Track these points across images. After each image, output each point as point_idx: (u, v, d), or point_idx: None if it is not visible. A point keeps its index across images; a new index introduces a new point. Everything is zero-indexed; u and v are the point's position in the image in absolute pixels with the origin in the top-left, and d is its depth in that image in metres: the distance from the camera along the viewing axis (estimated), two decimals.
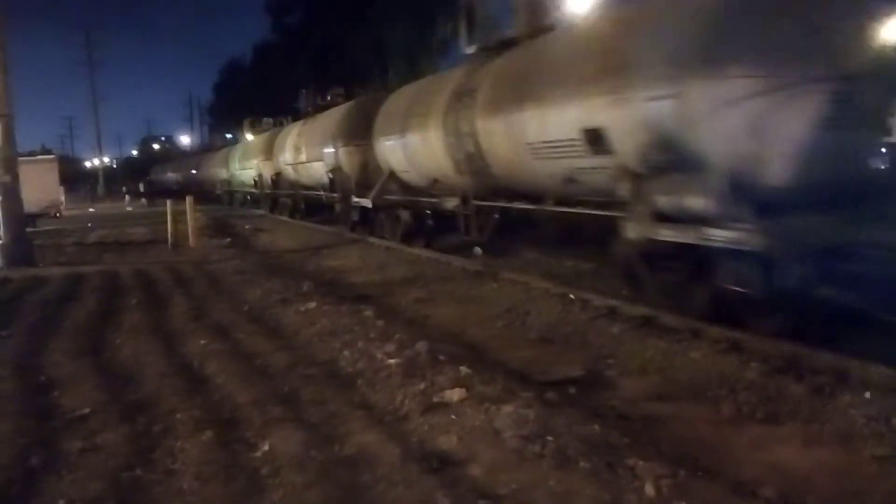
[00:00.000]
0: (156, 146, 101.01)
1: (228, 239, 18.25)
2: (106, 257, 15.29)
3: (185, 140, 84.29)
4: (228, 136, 47.69)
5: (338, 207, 18.77)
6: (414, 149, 13.44)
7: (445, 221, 13.48)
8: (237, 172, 34.58)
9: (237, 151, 35.08)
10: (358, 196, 16.61)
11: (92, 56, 64.37)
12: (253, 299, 9.42)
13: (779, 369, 5.61)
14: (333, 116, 19.41)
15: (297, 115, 29.79)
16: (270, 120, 32.78)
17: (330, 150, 18.38)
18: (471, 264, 11.44)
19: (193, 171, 48.67)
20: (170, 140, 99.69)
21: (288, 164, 23.76)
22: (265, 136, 29.10)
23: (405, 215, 14.74)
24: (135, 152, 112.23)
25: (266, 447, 4.43)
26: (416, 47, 38.46)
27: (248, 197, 33.53)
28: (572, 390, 5.59)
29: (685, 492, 3.61)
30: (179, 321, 8.33)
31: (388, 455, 4.17)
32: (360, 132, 16.48)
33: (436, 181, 13.21)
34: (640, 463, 3.85)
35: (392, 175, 14.91)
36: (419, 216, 14.45)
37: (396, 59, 35.97)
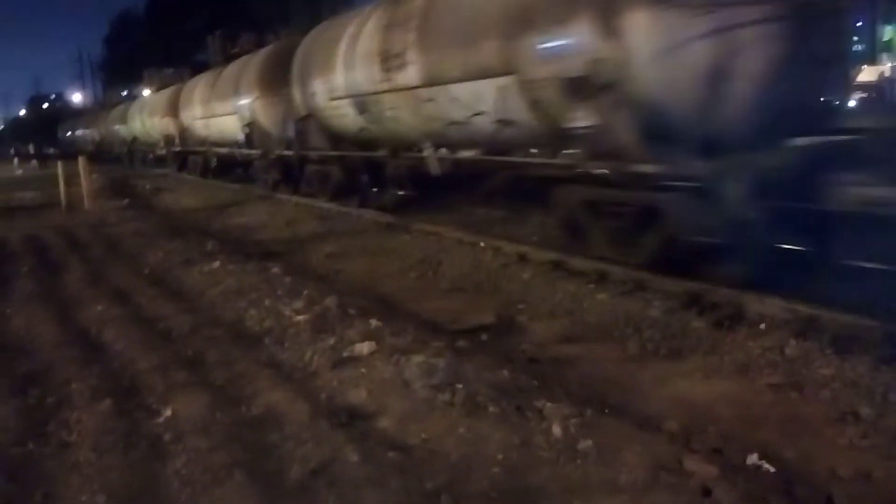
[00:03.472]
0: (45, 105, 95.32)
1: (127, 200, 17.43)
2: None
3: (77, 98, 79.76)
4: (124, 93, 44.51)
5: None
6: None
7: None
8: (198, 122, 21.15)
9: (201, 87, 21.12)
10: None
11: None
12: (154, 261, 9.04)
13: (681, 306, 5.78)
14: None
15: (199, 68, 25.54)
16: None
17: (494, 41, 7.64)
18: (382, 217, 11.28)
19: (117, 127, 36.07)
20: (60, 98, 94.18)
21: (334, 99, 11.81)
22: (269, 50, 16.82)
23: None
24: (23, 112, 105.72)
25: (168, 413, 4.27)
26: (321, 1, 37.35)
27: (216, 160, 20.98)
28: (484, 337, 5.60)
29: (592, 429, 3.68)
30: (75, 288, 7.93)
31: (297, 413, 4.08)
32: None
33: None
34: (548, 404, 3.89)
35: None
36: None
37: (299, 7, 34.70)
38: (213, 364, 5.10)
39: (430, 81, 9.03)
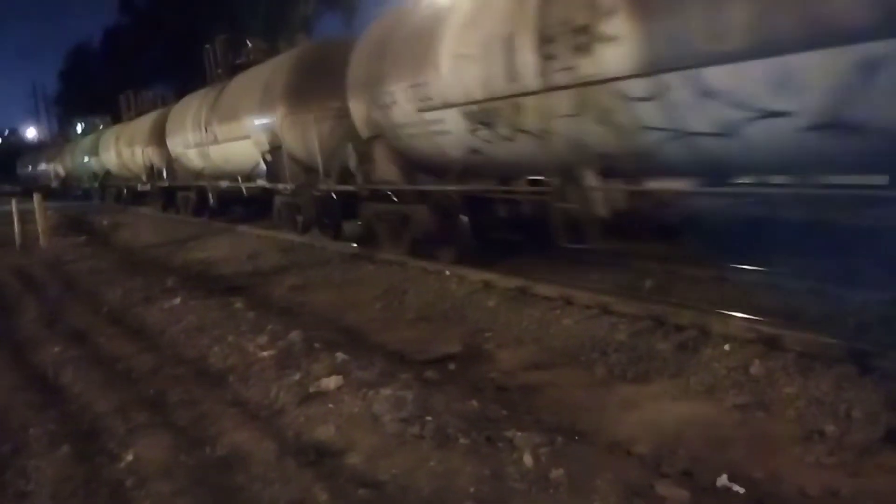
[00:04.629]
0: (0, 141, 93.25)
1: (84, 237, 17.10)
2: None
3: (31, 133, 78.17)
4: (80, 125, 43.40)
5: None
6: None
7: None
8: (191, 152, 17.61)
9: (196, 108, 17.18)
10: None
11: None
12: (113, 299, 8.84)
13: (646, 329, 5.81)
14: None
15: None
16: None
17: None
18: (346, 248, 11.21)
19: (87, 160, 31.65)
20: (14, 133, 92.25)
21: (428, 110, 8.46)
22: (299, 54, 13.08)
23: None
24: None
25: (130, 457, 4.15)
26: (278, 25, 37.39)
27: (217, 197, 17.42)
28: (451, 367, 5.58)
29: (563, 457, 3.66)
30: (31, 329, 7.72)
31: (263, 452, 4.00)
32: None
33: None
34: (519, 434, 3.87)
35: None
36: None
37: (257, 40, 34.48)
38: (175, 404, 4.98)
39: (657, 66, 5.60)
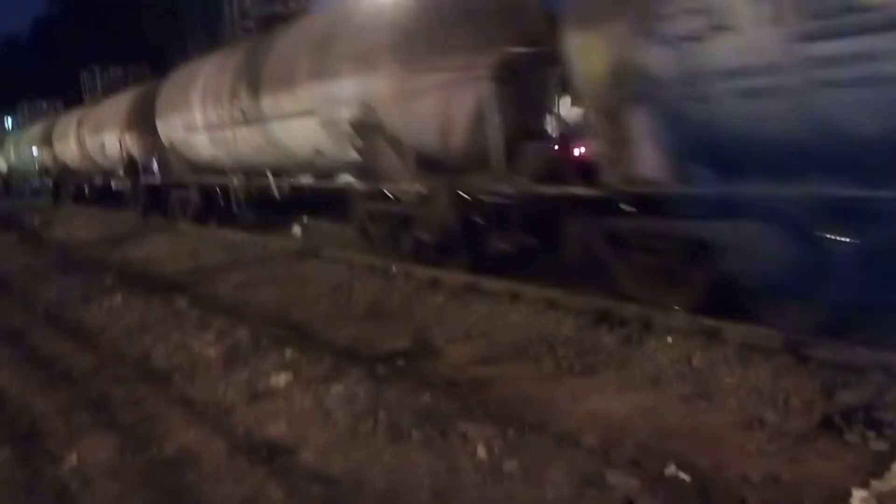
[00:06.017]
0: None
1: (15, 234, 16.50)
2: None
3: None
4: (8, 119, 41.37)
5: None
6: None
7: None
8: (199, 138, 13.38)
9: (209, 75, 12.93)
10: None
11: None
12: (49, 298, 8.59)
13: (591, 323, 5.92)
14: None
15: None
16: None
17: None
18: (291, 245, 11.09)
19: (35, 152, 26.50)
20: None
21: None
22: None
23: None
24: None
25: (74, 458, 4.05)
26: (216, 16, 36.53)
27: (242, 197, 12.95)
28: (401, 362, 5.58)
29: (515, 449, 3.71)
30: None
31: (214, 450, 3.95)
32: None
33: None
34: (471, 427, 3.91)
35: None
36: None
37: (196, 32, 33.57)
38: (119, 404, 4.88)
39: None
